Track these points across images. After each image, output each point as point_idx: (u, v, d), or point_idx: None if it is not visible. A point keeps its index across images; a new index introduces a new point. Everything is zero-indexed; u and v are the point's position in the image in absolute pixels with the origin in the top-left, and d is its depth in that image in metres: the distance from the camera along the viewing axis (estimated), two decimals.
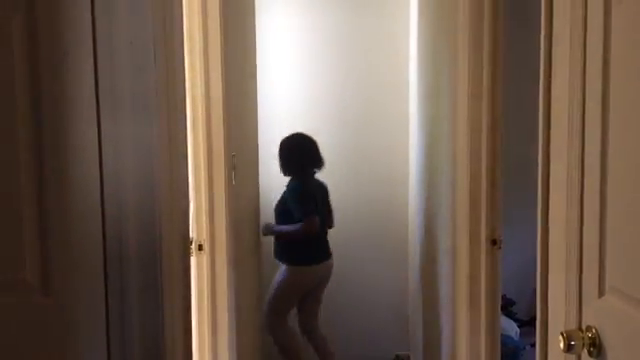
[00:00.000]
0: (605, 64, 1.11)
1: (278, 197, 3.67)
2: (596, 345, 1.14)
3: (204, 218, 2.29)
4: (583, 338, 1.17)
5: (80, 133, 1.18)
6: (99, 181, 1.21)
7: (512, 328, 3.91)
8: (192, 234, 2.30)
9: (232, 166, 2.49)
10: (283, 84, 4.30)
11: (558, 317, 1.33)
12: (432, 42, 3.33)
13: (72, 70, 1.16)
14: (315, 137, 3.70)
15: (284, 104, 4.30)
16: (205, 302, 2.30)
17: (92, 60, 1.18)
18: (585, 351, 1.18)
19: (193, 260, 2.29)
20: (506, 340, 3.78)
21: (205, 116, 2.24)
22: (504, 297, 3.95)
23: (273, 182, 3.95)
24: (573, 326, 1.24)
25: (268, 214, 3.77)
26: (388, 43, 4.29)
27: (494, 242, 2.36)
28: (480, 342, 2.39)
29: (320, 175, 3.78)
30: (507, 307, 4.07)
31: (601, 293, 1.14)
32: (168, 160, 1.45)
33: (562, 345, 1.18)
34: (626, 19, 1.05)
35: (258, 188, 3.82)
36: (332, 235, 3.96)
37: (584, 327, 1.20)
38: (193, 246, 2.29)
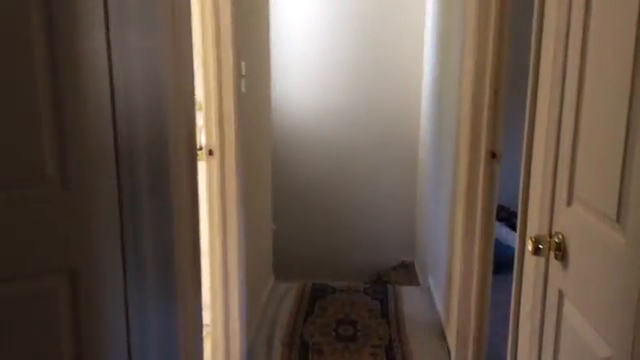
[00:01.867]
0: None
1: (294, 108, 3.67)
2: (561, 249, 1.25)
3: (214, 124, 2.39)
4: (550, 242, 1.28)
5: (90, 38, 1.26)
6: (109, 82, 1.30)
7: (514, 238, 4.05)
8: (203, 140, 2.41)
9: (241, 74, 2.55)
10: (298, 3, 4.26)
11: (534, 223, 1.44)
12: None
13: None
14: (333, 47, 3.68)
15: (298, 21, 4.27)
16: (215, 201, 2.44)
17: None
18: (552, 254, 1.29)
19: (204, 164, 2.42)
20: (507, 250, 3.94)
21: (214, 25, 2.29)
22: (509, 209, 4.07)
23: (288, 93, 4.02)
24: (545, 232, 1.35)
25: (284, 124, 3.85)
26: None
27: (493, 155, 2.44)
28: (474, 248, 2.53)
29: (341, 77, 3.83)
30: (510, 219, 4.20)
31: (569, 203, 1.23)
32: (174, 67, 1.52)
33: (530, 248, 1.29)
34: None
35: (270, 97, 3.88)
36: (347, 147, 4.06)
37: (553, 232, 1.30)
38: (204, 151, 2.41)
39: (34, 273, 1.25)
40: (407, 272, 4.43)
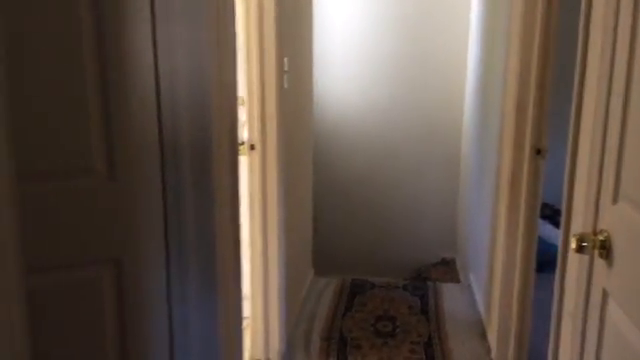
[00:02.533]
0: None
1: (337, 104, 3.68)
2: (606, 247, 1.22)
3: (256, 119, 2.42)
4: (594, 240, 1.25)
5: (137, 32, 1.30)
6: (154, 77, 1.34)
7: (557, 236, 3.97)
8: (245, 135, 2.45)
9: (284, 69, 2.58)
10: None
11: (578, 221, 1.41)
12: None
13: None
14: (376, 44, 3.67)
15: (341, 17, 4.27)
16: (256, 195, 2.48)
17: None
18: (596, 252, 1.26)
19: (246, 159, 2.45)
20: (551, 248, 3.86)
21: (258, 21, 2.31)
22: (553, 207, 3.98)
23: (330, 89, 4.03)
24: (589, 230, 1.32)
25: (326, 120, 3.85)
26: None
27: (538, 151, 2.39)
28: (517, 245, 2.49)
29: (384, 73, 3.84)
30: (555, 217, 4.11)
31: (615, 200, 1.21)
32: (217, 62, 1.55)
33: (574, 246, 1.27)
34: None
35: (312, 92, 3.90)
36: (389, 144, 4.04)
37: (598, 230, 1.27)
38: (246, 146, 2.45)
39: (80, 262, 1.29)
40: (448, 269, 4.39)
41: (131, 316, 1.37)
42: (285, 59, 2.60)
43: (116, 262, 1.34)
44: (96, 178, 1.28)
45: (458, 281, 4.09)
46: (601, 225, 1.27)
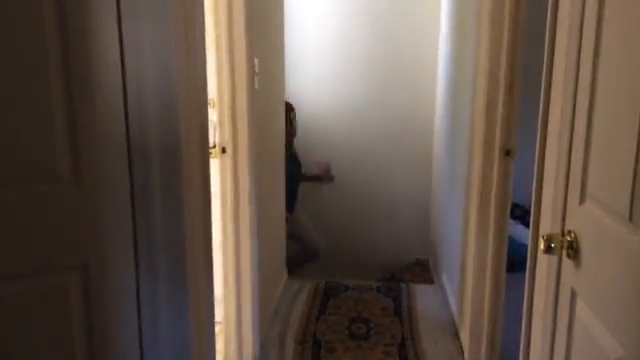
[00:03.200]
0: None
1: (309, 104, 3.69)
2: (573, 248, 1.23)
3: (227, 121, 2.40)
4: (562, 241, 1.26)
5: (102, 30, 1.27)
6: (121, 77, 1.31)
7: (528, 236, 4.02)
8: (216, 138, 2.42)
9: (254, 70, 2.56)
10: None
11: (547, 221, 1.42)
12: None
13: None
14: (348, 42, 3.68)
15: (313, 16, 4.27)
16: (228, 198, 2.45)
17: None
18: (564, 253, 1.27)
19: (217, 162, 2.43)
20: (521, 248, 3.91)
21: (227, 22, 2.29)
22: (523, 207, 4.04)
23: (302, 88, 4.02)
24: (557, 230, 1.33)
25: (298, 120, 3.85)
26: None
27: (508, 152, 2.42)
28: (487, 246, 2.51)
29: (356, 72, 3.89)
30: (525, 217, 4.17)
31: (582, 200, 1.22)
32: (186, 63, 1.53)
33: (542, 247, 1.28)
34: None
35: (284, 94, 3.88)
36: (361, 144, 4.05)
37: (566, 231, 1.29)
38: (217, 149, 2.42)
39: (47, 270, 1.26)
40: (421, 270, 4.41)
41: (99, 320, 1.34)
42: (256, 60, 2.58)
43: (83, 267, 1.31)
44: (61, 183, 1.24)
45: (432, 282, 4.11)
46: (569, 225, 1.28)
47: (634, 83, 0.96)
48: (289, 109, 3.93)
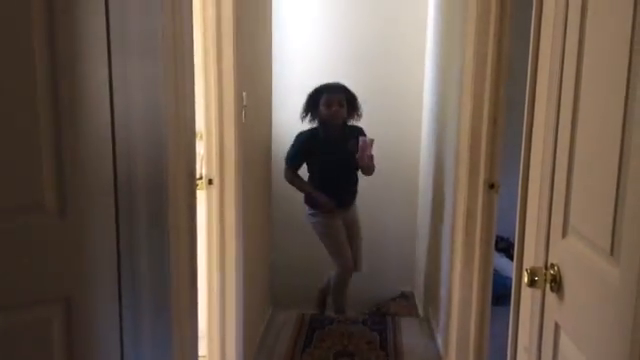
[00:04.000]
0: (581, 33, 1.17)
1: (294, 136, 3.71)
2: (557, 281, 1.25)
3: (214, 154, 2.41)
4: (545, 274, 1.28)
5: (92, 70, 1.29)
6: (110, 112, 1.32)
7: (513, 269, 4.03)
8: (203, 170, 2.43)
9: (242, 104, 2.58)
10: (300, 32, 4.32)
11: (530, 255, 1.44)
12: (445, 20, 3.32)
13: (84, 11, 1.25)
14: (334, 77, 3.74)
15: (300, 50, 4.33)
16: (214, 230, 2.45)
17: (104, 9, 1.27)
18: (548, 286, 1.29)
19: (204, 193, 2.43)
20: (506, 281, 3.92)
21: (216, 56, 2.32)
22: (508, 240, 4.06)
23: (288, 121, 4.05)
24: (541, 263, 1.35)
25: (282, 153, 3.87)
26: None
27: (492, 186, 2.45)
28: (473, 279, 2.52)
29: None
30: (510, 250, 4.19)
31: (565, 234, 1.24)
32: (174, 98, 1.55)
33: (526, 280, 1.29)
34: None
35: (271, 127, 3.91)
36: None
37: (549, 264, 1.30)
38: (204, 180, 2.43)
39: (29, 302, 1.25)
40: (407, 303, 4.40)
41: (81, 354, 1.32)
42: (244, 93, 2.61)
43: (66, 301, 1.30)
44: (46, 215, 1.24)
45: (417, 315, 4.10)
46: (552, 259, 1.30)
47: (613, 123, 1.00)
48: None
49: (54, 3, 1.19)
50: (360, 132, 3.68)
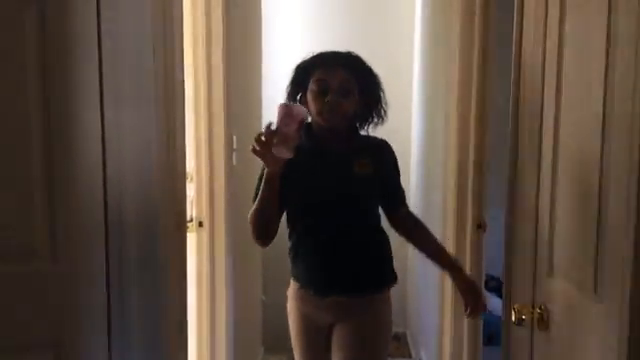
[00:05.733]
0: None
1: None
2: (544, 320, 1.26)
3: (204, 196, 2.43)
4: (532, 313, 1.30)
5: (84, 118, 1.31)
6: (101, 162, 1.34)
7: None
8: (193, 212, 2.44)
9: (232, 147, 2.62)
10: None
11: (518, 294, 1.46)
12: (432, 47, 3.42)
13: (77, 58, 1.28)
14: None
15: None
16: (204, 273, 2.45)
17: (97, 57, 1.30)
18: (535, 325, 1.30)
19: (194, 236, 2.44)
20: (498, 320, 3.90)
21: (206, 101, 2.37)
22: (499, 279, 4.06)
23: None
24: (529, 302, 1.37)
25: None
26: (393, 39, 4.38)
27: (479, 226, 2.48)
28: (463, 319, 2.52)
29: None
30: (501, 289, 4.19)
31: (550, 273, 1.26)
32: (166, 143, 1.57)
33: (514, 319, 1.31)
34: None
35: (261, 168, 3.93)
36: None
37: (536, 303, 1.32)
38: (194, 223, 2.44)
39: (19, 348, 1.24)
40: (399, 344, 4.36)
41: None
42: (234, 137, 2.65)
43: (56, 347, 1.29)
44: (36, 259, 1.24)
45: (410, 356, 4.06)
46: (539, 298, 1.32)
47: (590, 166, 1.03)
48: None
49: (47, 48, 1.22)
50: (382, 151, 2.00)
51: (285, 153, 1.61)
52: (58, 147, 1.25)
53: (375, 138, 2.00)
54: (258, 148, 1.62)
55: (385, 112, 1.98)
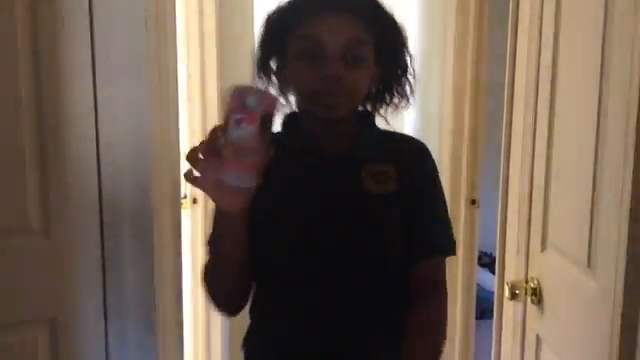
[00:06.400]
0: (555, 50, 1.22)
1: None
2: (537, 294, 1.28)
3: None
4: (526, 288, 1.31)
5: (76, 89, 1.30)
6: (94, 135, 1.33)
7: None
8: (188, 190, 2.43)
9: None
10: None
11: (511, 269, 1.47)
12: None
13: (69, 37, 1.27)
14: None
15: None
16: (199, 247, 2.45)
17: (89, 29, 1.28)
18: (529, 299, 1.31)
19: (188, 212, 2.43)
20: (491, 295, 3.93)
21: (200, 78, 2.35)
22: (491, 255, 4.10)
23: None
24: (522, 277, 1.38)
25: None
26: None
27: (473, 202, 2.49)
28: (456, 294, 2.54)
29: None
30: (493, 265, 4.22)
31: (544, 247, 1.27)
32: (159, 119, 1.56)
33: (507, 293, 1.32)
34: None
35: None
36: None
37: (529, 278, 1.33)
38: (188, 199, 2.43)
39: (15, 323, 1.24)
40: None
41: None
42: None
43: (51, 323, 1.30)
44: (31, 235, 1.24)
45: None
46: (532, 272, 1.33)
47: (586, 137, 1.03)
48: None
49: (39, 30, 1.20)
50: (413, 157, 1.16)
51: (244, 179, 0.83)
52: (50, 122, 1.24)
53: (403, 136, 1.20)
54: (195, 174, 0.83)
55: (412, 89, 1.13)
